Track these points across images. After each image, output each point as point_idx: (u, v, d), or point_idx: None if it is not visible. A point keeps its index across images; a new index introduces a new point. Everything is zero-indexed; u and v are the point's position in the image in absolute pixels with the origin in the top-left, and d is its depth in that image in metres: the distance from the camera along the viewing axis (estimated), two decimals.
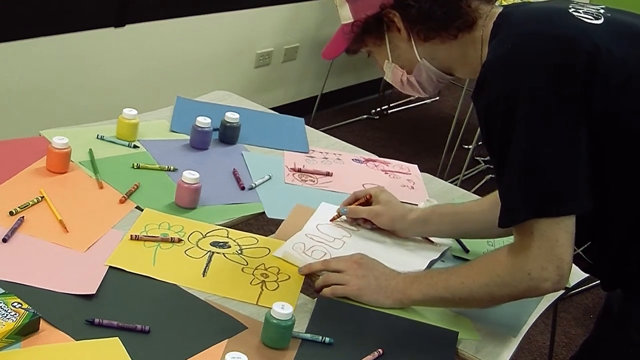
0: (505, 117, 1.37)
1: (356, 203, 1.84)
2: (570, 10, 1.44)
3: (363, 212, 1.82)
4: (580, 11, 1.44)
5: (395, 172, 2.19)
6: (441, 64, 1.54)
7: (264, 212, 1.87)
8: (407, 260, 1.73)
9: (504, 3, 1.51)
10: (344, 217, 1.85)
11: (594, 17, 1.43)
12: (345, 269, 1.60)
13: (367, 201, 1.83)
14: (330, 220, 1.84)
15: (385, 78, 1.61)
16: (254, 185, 1.95)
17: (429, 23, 1.48)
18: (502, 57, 1.39)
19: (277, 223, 1.84)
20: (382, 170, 2.18)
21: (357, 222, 1.84)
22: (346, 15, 1.54)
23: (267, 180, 1.99)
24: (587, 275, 1.80)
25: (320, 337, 1.46)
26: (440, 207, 1.84)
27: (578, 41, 1.37)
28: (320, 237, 1.78)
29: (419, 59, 1.53)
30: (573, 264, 1.43)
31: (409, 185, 2.12)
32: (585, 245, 1.49)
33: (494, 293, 1.48)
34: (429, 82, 1.57)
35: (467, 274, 1.51)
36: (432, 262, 1.76)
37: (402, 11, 1.48)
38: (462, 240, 1.86)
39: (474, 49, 1.49)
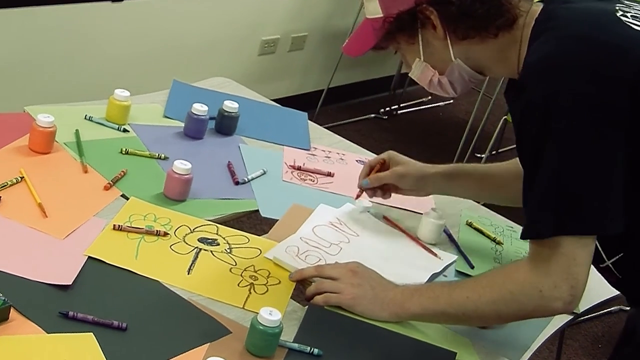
0: (542, 124, 1.38)
1: (373, 171, 1.87)
2: (618, 14, 1.44)
3: (386, 177, 1.86)
4: (628, 15, 1.44)
5: None
6: (476, 64, 1.54)
7: (257, 210, 1.87)
8: (407, 272, 1.73)
9: None
10: (348, 215, 1.88)
11: None
12: (340, 277, 1.60)
13: (382, 167, 1.88)
14: (355, 198, 1.89)
15: (410, 75, 1.61)
16: (246, 180, 1.95)
17: (469, 21, 1.47)
18: (547, 60, 1.39)
19: (270, 222, 1.84)
20: None
21: (377, 193, 1.89)
22: (374, 10, 1.53)
23: (260, 175, 1.99)
24: (596, 302, 1.80)
25: (309, 348, 1.46)
26: (465, 166, 1.90)
27: (628, 51, 1.37)
28: (316, 241, 1.78)
29: (454, 59, 1.52)
30: (602, 277, 1.43)
31: None
32: (616, 258, 1.49)
33: (502, 310, 1.48)
34: (460, 82, 1.57)
35: (474, 288, 1.51)
36: (433, 276, 1.76)
37: (440, 8, 1.47)
38: (467, 255, 1.86)
39: (513, 48, 1.49)
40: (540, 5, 1.50)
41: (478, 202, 2.14)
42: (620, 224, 1.39)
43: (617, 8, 1.46)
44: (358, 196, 1.89)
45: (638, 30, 1.42)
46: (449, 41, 1.50)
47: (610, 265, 1.50)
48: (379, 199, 1.92)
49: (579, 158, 1.36)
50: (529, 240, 1.46)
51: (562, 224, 1.39)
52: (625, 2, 1.51)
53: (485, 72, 1.56)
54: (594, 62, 1.36)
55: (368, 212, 1.93)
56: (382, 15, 1.51)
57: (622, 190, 1.38)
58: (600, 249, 1.49)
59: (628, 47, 1.38)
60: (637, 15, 1.45)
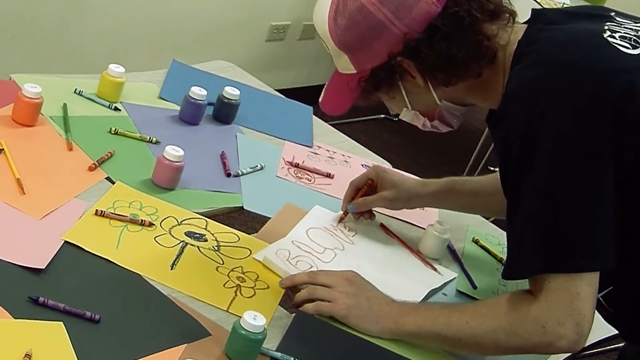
0: (523, 155, 1.40)
1: (360, 194, 1.88)
2: (605, 35, 1.45)
3: (375, 203, 1.87)
4: (616, 35, 1.45)
5: None
6: (463, 102, 1.58)
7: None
8: (404, 284, 1.74)
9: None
10: (343, 223, 1.88)
11: (631, 44, 1.44)
12: (335, 285, 1.60)
13: (370, 187, 1.88)
14: (337, 222, 1.88)
15: (402, 118, 1.66)
16: (239, 173, 1.95)
17: (448, 68, 1.50)
18: (527, 87, 1.41)
19: (263, 220, 1.84)
20: None
21: (363, 216, 1.90)
22: (345, 66, 1.56)
23: (257, 170, 1.99)
24: (602, 337, 1.80)
25: (292, 359, 1.46)
26: (457, 183, 1.91)
27: (611, 76, 1.38)
28: (308, 245, 1.78)
29: (439, 102, 1.57)
30: (598, 314, 1.43)
31: None
32: (605, 291, 1.50)
33: (500, 341, 1.48)
34: (452, 118, 1.61)
35: (474, 314, 1.51)
36: (432, 292, 1.76)
37: (415, 59, 1.50)
38: (470, 275, 1.86)
39: (497, 80, 1.51)
40: (523, 28, 1.51)
41: (487, 218, 2.14)
42: (612, 259, 1.39)
43: (606, 28, 1.47)
44: (342, 219, 1.88)
45: (624, 52, 1.43)
46: (430, 87, 1.54)
47: (601, 298, 1.50)
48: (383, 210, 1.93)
49: (563, 190, 1.38)
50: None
51: (546, 261, 1.40)
52: (617, 19, 1.52)
53: (474, 103, 1.60)
54: (574, 92, 1.38)
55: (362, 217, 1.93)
56: (354, 71, 1.55)
57: (611, 223, 1.38)
58: None
59: (611, 72, 1.39)
60: (627, 35, 1.46)
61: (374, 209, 1.92)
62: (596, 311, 1.49)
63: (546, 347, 1.44)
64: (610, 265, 1.40)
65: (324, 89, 1.64)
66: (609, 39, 1.44)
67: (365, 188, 1.88)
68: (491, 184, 1.83)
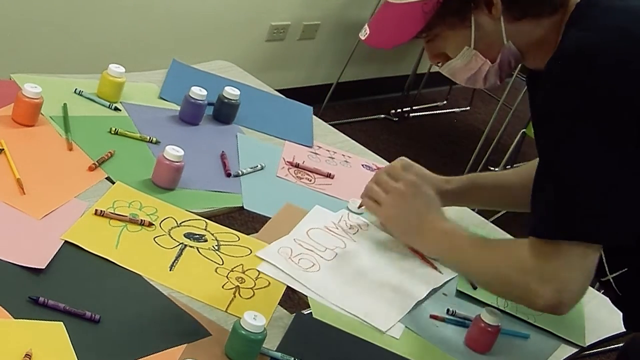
0: (563, 118, 1.39)
1: None
2: None
3: None
4: None
5: None
6: (520, 48, 1.51)
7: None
8: (405, 282, 1.74)
9: None
10: (344, 222, 1.88)
11: None
12: (389, 192, 1.72)
13: None
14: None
15: (442, 69, 1.57)
16: (240, 173, 1.95)
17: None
18: (581, 48, 1.38)
19: (263, 220, 1.84)
20: None
21: None
22: None
23: (257, 170, 1.99)
24: (602, 337, 1.81)
25: (292, 359, 1.46)
26: (479, 178, 1.91)
27: None
28: (310, 244, 1.78)
29: (505, 42, 1.49)
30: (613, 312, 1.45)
31: None
32: (619, 272, 1.51)
33: (490, 284, 1.58)
34: (506, 69, 1.54)
35: (481, 251, 1.59)
36: (432, 291, 1.76)
37: None
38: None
39: (555, 33, 1.48)
40: None
41: (487, 219, 2.14)
42: (625, 235, 1.40)
43: None
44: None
45: None
46: (502, 22, 1.47)
47: (612, 279, 1.51)
48: None
49: (598, 159, 1.37)
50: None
51: (565, 228, 1.40)
52: None
53: (524, 58, 1.55)
54: (630, 58, 1.37)
55: (361, 215, 1.93)
56: None
57: (637, 200, 1.39)
58: (604, 261, 1.50)
59: None
60: None
61: None
62: (603, 293, 1.51)
63: (526, 301, 1.48)
64: (625, 240, 1.41)
65: (367, 26, 1.53)
66: None
67: None
68: (514, 178, 1.85)
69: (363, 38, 1.53)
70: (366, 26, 1.55)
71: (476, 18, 1.47)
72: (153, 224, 1.68)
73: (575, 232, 1.40)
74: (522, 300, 1.50)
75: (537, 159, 1.49)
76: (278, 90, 2.51)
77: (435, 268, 1.83)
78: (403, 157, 1.83)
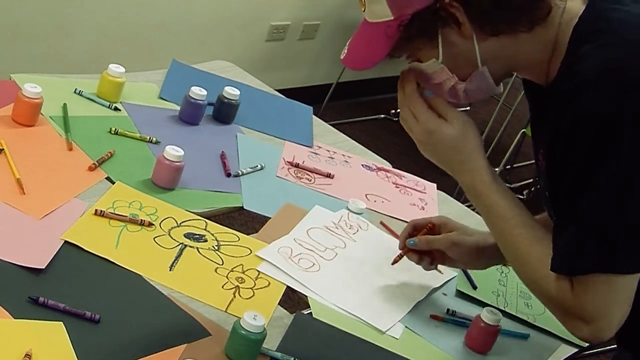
0: (597, 144, 1.31)
1: (421, 233, 1.73)
2: None
3: (438, 242, 1.70)
4: None
5: (408, 187, 2.18)
6: (503, 64, 1.45)
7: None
8: (405, 282, 1.74)
9: None
10: (344, 222, 1.87)
11: None
12: (420, 123, 1.60)
13: (431, 230, 1.74)
14: (392, 264, 1.74)
15: (425, 69, 1.49)
16: (239, 173, 1.95)
17: (502, 14, 1.38)
18: (614, 68, 1.31)
19: (262, 220, 1.84)
20: (393, 183, 2.18)
21: (423, 260, 1.73)
22: (382, 12, 1.40)
23: (257, 170, 1.99)
24: None
25: (292, 359, 1.46)
26: None
27: None
28: (310, 244, 1.78)
29: (480, 66, 1.43)
30: None
31: (419, 205, 2.12)
32: None
33: (532, 287, 1.45)
34: (477, 92, 1.49)
35: (528, 233, 1.46)
36: (432, 291, 1.76)
37: (467, 4, 1.38)
38: (470, 275, 1.86)
39: (542, 48, 1.41)
40: (581, 3, 1.41)
41: None
42: None
43: None
44: (396, 261, 1.74)
45: None
46: (475, 41, 1.41)
47: None
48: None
49: (636, 186, 1.31)
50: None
51: (601, 260, 1.33)
52: None
53: (514, 71, 1.51)
54: None
55: (361, 214, 1.93)
56: (392, 17, 1.40)
57: None
58: None
59: None
60: None
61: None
62: None
63: (564, 325, 1.42)
64: None
65: (347, 45, 1.50)
66: None
67: (425, 230, 1.74)
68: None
69: (342, 57, 1.51)
70: (346, 45, 1.51)
71: (447, 36, 1.42)
72: (153, 224, 1.68)
73: (622, 263, 1.33)
74: (561, 321, 1.43)
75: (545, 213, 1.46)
76: (278, 90, 2.51)
77: (435, 268, 1.83)
78: (417, 239, 1.72)
